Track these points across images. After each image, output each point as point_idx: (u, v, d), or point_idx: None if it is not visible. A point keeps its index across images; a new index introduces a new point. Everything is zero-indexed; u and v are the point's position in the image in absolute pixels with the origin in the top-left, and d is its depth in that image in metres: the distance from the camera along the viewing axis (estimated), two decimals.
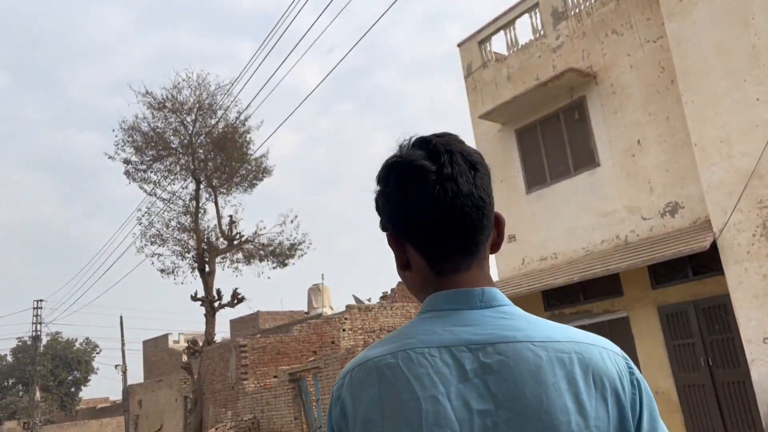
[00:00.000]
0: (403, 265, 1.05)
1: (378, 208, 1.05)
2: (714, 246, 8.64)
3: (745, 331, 8.34)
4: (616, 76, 10.53)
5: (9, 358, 43.85)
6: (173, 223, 22.96)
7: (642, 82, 10.20)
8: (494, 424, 0.87)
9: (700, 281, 9.31)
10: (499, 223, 1.04)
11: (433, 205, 0.97)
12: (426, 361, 0.91)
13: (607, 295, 10.34)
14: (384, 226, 1.06)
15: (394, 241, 1.04)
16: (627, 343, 9.98)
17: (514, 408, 0.87)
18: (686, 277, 9.45)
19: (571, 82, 10.89)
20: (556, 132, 11.39)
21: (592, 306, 10.57)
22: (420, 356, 0.91)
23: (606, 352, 0.94)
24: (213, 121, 22.67)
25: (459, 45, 13.16)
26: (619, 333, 10.10)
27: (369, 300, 23.10)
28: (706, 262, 9.08)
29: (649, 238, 9.87)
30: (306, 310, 26.25)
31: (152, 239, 22.88)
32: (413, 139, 1.03)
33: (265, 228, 24.86)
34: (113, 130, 30.21)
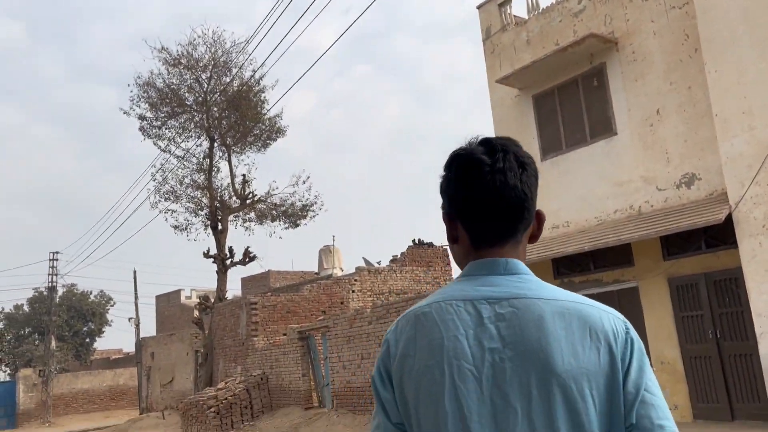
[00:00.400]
0: (452, 239, 1.27)
1: (441, 190, 1.27)
2: (729, 219, 8.55)
3: (756, 304, 8.30)
4: (639, 43, 10.29)
5: (26, 308, 44.78)
6: (187, 180, 23.07)
7: (665, 49, 9.96)
8: (500, 359, 1.09)
9: (712, 254, 9.25)
10: (539, 218, 1.24)
11: (483, 191, 1.18)
12: (453, 310, 1.14)
13: (618, 264, 10.32)
14: (443, 205, 1.27)
15: (448, 219, 1.26)
16: (636, 313, 9.99)
17: (517, 348, 1.09)
18: (699, 249, 9.39)
19: (591, 48, 10.66)
20: (574, 99, 11.21)
21: (602, 275, 10.56)
22: (449, 306, 1.15)
23: (605, 314, 1.13)
24: (228, 79, 22.52)
25: (478, 7, 12.89)
26: (629, 302, 10.10)
27: (379, 263, 23.24)
28: (720, 235, 9.01)
29: (663, 209, 9.77)
30: (316, 270, 26.47)
31: (166, 195, 23.03)
32: (479, 138, 1.24)
33: (277, 188, 24.83)
34: (128, 85, 30.15)
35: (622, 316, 1.15)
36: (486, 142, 1.22)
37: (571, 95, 11.26)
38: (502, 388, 1.07)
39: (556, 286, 1.17)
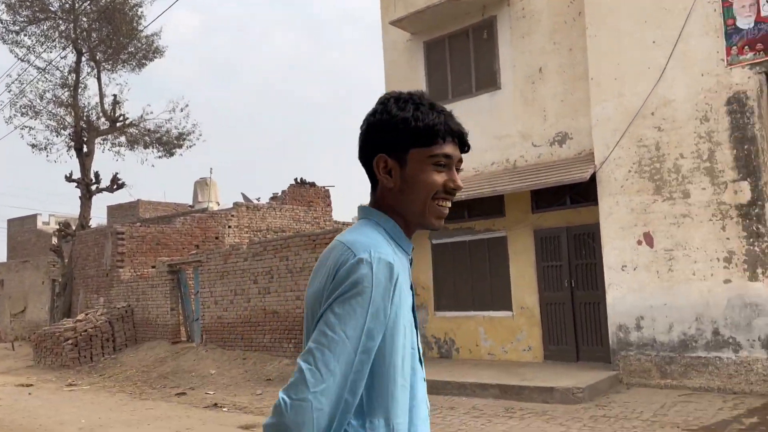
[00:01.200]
0: None
1: None
2: (593, 178, 9.16)
3: (608, 258, 9.05)
4: (529, 0, 10.52)
5: None
6: (48, 95, 21.07)
7: (552, 9, 10.26)
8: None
9: (575, 210, 9.91)
10: (375, 165, 1.39)
11: None
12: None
13: (490, 214, 10.79)
14: None
15: None
16: (502, 261, 10.57)
17: (311, 278, 1.37)
18: (564, 204, 10.02)
19: (484, 0, 10.76)
20: (464, 49, 11.34)
21: (474, 224, 11.01)
22: None
23: (345, 249, 1.26)
24: None
25: None
26: (497, 251, 10.66)
27: (258, 199, 22.77)
28: (584, 192, 9.65)
29: (536, 164, 10.28)
30: (191, 203, 25.47)
31: (23, 110, 20.93)
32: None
33: (152, 113, 23.27)
34: None
35: (362, 254, 1.23)
36: None
37: (462, 46, 11.37)
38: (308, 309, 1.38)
39: (364, 229, 1.32)
